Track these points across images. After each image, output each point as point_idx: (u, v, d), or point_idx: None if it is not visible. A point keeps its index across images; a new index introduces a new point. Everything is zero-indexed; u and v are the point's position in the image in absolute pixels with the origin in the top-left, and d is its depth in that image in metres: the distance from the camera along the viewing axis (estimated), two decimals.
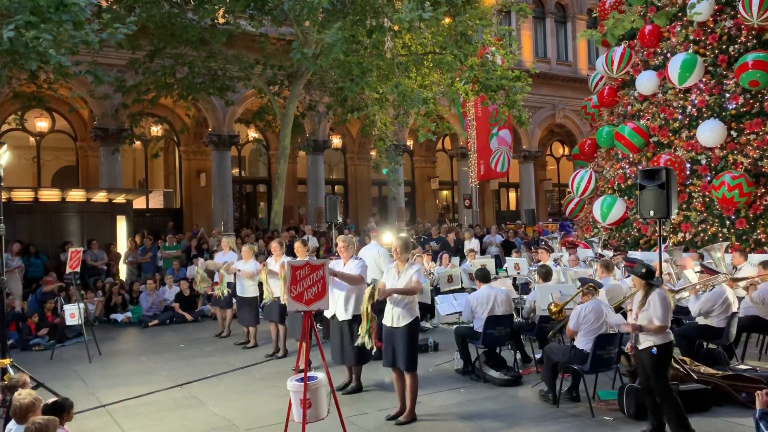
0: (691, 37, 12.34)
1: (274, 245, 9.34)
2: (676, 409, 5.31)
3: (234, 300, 10.84)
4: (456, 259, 13.01)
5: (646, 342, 5.41)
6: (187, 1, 14.54)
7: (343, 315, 6.94)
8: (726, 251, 9.32)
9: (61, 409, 4.51)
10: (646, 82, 12.97)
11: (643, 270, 5.54)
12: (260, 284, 9.92)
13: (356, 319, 6.77)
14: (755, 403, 4.25)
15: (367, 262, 7.66)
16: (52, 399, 4.67)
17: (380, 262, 8.14)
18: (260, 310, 10.02)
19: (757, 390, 4.38)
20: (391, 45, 13.84)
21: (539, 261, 10.81)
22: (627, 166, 13.25)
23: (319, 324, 9.54)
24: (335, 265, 6.95)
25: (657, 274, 6.48)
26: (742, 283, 8.10)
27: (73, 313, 9.58)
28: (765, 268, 7.88)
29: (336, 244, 7.33)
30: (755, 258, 8.88)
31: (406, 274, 6.07)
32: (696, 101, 12.06)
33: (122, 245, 15.19)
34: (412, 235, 15.39)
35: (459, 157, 24.23)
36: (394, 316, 6.09)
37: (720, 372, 6.59)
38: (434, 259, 12.94)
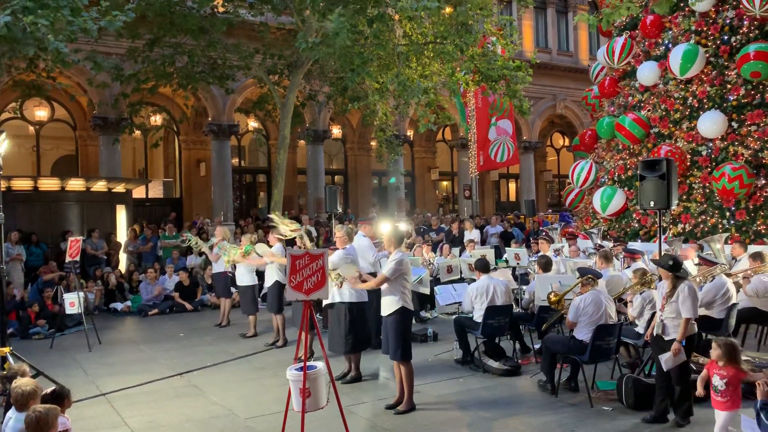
0: (693, 28, 12.28)
1: (272, 237, 9.37)
2: (688, 397, 5.51)
3: (234, 289, 10.89)
4: (456, 250, 13.01)
5: (674, 334, 5.49)
6: None
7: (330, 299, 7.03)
8: (726, 242, 9.32)
9: (60, 398, 4.51)
10: (648, 73, 12.92)
11: (671, 262, 5.57)
12: (259, 272, 9.98)
13: (348, 306, 6.95)
14: (755, 394, 4.26)
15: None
16: (51, 387, 4.68)
17: (361, 252, 8.16)
18: (259, 298, 10.05)
19: (756, 381, 4.40)
20: (401, 32, 13.75)
21: (539, 251, 10.81)
22: (627, 157, 13.23)
23: (318, 314, 9.56)
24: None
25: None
26: (735, 277, 8.09)
27: (72, 302, 9.59)
28: (755, 260, 7.88)
29: (335, 234, 7.38)
30: (755, 249, 8.88)
31: (387, 262, 6.18)
32: (697, 92, 12.02)
33: (122, 235, 15.19)
34: (413, 226, 15.37)
35: (459, 148, 24.18)
36: (383, 305, 6.17)
37: None
38: (434, 250, 12.94)
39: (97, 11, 10.31)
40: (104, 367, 8.28)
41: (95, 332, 9.79)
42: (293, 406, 5.00)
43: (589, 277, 6.70)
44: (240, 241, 10.45)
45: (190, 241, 10.80)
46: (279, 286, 9.15)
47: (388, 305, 6.09)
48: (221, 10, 14.89)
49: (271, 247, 9.25)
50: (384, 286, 6.12)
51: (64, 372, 7.80)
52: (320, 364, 5.10)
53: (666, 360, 5.39)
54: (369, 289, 6.45)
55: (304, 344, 5.04)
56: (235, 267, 10.31)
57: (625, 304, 7.26)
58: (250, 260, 9.45)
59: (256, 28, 15.51)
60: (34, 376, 5.73)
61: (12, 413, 4.22)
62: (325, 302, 7.13)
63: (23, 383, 4.28)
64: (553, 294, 7.24)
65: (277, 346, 9.14)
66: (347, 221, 16.73)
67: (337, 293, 6.95)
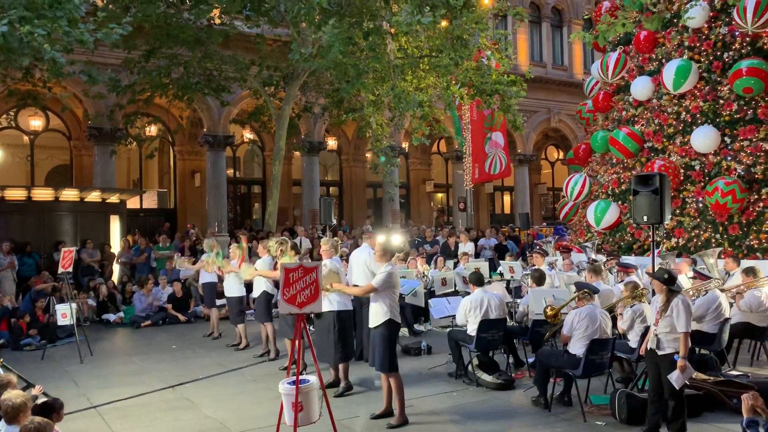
0: (686, 43, 12.39)
1: (260, 248, 9.40)
2: (682, 413, 5.47)
3: (219, 301, 10.96)
4: (450, 263, 13.00)
5: (668, 348, 5.47)
6: (183, 1, 14.51)
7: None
8: (719, 257, 9.36)
9: (51, 410, 4.48)
10: (641, 88, 13.01)
11: (666, 276, 5.57)
12: (247, 283, 10.02)
13: (336, 314, 7.00)
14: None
15: (358, 265, 7.68)
16: (41, 399, 4.65)
17: (370, 265, 8.13)
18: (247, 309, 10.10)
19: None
20: (393, 47, 13.83)
21: (534, 265, 10.82)
22: (621, 171, 13.29)
23: (312, 326, 9.53)
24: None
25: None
26: (729, 292, 8.11)
27: (65, 313, 9.53)
28: (748, 275, 7.91)
29: (321, 246, 7.55)
30: (747, 264, 8.90)
31: (378, 273, 6.22)
32: (690, 107, 12.10)
33: (115, 245, 15.14)
34: (407, 239, 15.35)
35: (454, 160, 24.25)
36: (371, 317, 6.20)
37: (712, 378, 6.60)
38: (428, 262, 12.93)
39: (94, 22, 10.34)
40: (96, 379, 8.22)
41: (87, 344, 9.72)
42: (285, 420, 4.98)
43: (585, 291, 6.70)
44: (229, 250, 10.52)
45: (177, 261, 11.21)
46: (267, 296, 9.16)
47: (376, 317, 6.11)
48: (218, 21, 14.96)
49: (259, 257, 9.28)
50: (372, 298, 6.13)
51: (55, 384, 7.73)
52: (313, 378, 5.08)
53: (676, 378, 5.37)
54: (355, 295, 6.50)
55: (297, 358, 5.02)
56: (222, 278, 10.36)
57: (615, 318, 7.25)
58: (232, 270, 9.60)
59: (252, 40, 15.58)
60: (24, 389, 5.68)
61: (2, 426, 4.18)
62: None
63: (13, 395, 4.24)
64: (549, 308, 7.24)
65: (269, 358, 9.10)
66: (341, 232, 16.73)
67: (325, 302, 6.93)
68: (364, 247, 8.48)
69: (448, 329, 8.98)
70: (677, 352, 5.41)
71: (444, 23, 14.20)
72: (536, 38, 25.83)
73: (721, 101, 11.72)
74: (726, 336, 7.44)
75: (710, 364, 7.15)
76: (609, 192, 13.44)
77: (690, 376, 5.45)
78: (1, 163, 18.88)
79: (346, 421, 6.19)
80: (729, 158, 11.41)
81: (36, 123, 18.35)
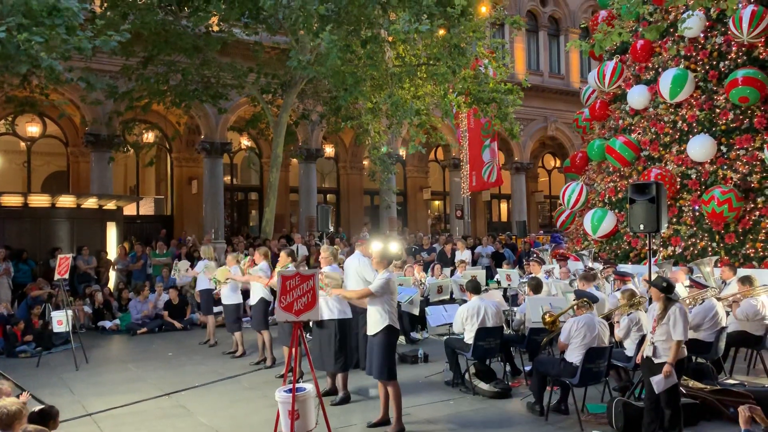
0: (683, 53, 12.44)
1: (257, 255, 9.40)
2: (678, 421, 5.49)
3: (216, 308, 10.95)
4: (447, 270, 13.01)
5: (665, 356, 5.49)
6: (182, 9, 14.56)
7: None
8: (715, 266, 9.37)
9: (47, 417, 4.46)
10: (638, 97, 13.06)
11: (664, 284, 5.60)
12: (244, 290, 10.01)
13: (337, 323, 6.99)
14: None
15: (350, 273, 7.68)
16: (38, 407, 4.63)
17: (362, 272, 8.11)
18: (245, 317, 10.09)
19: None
20: (391, 55, 13.88)
21: (531, 273, 10.82)
22: (618, 180, 13.32)
23: (309, 334, 9.51)
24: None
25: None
26: (726, 300, 8.13)
27: (60, 320, 9.50)
28: (744, 284, 7.93)
29: (320, 254, 7.57)
30: (744, 273, 8.92)
31: (375, 279, 6.26)
32: (686, 116, 12.15)
33: (112, 252, 15.11)
34: (404, 246, 15.35)
35: (451, 168, 24.29)
36: (369, 324, 6.19)
37: (708, 386, 6.61)
38: (425, 270, 12.93)
39: (92, 30, 10.36)
40: (91, 386, 8.19)
41: (83, 351, 9.69)
42: (281, 428, 4.96)
43: (584, 300, 6.71)
44: (226, 258, 10.52)
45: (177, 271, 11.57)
46: (264, 303, 9.14)
47: (375, 324, 6.10)
48: (216, 29, 14.99)
49: (256, 265, 9.29)
50: (370, 305, 6.11)
51: (50, 391, 7.71)
52: (309, 386, 5.07)
53: (657, 382, 5.40)
54: (351, 299, 6.56)
55: (294, 366, 5.01)
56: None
57: (612, 325, 7.26)
58: (235, 278, 9.57)
59: (250, 47, 15.62)
60: (19, 396, 5.65)
61: None
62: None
63: (8, 403, 4.22)
64: (548, 315, 7.23)
65: (266, 365, 9.08)
66: (338, 239, 16.72)
67: (325, 310, 6.93)
68: (356, 255, 8.48)
69: (445, 337, 8.97)
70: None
71: (441, 32, 14.25)
72: (533, 47, 25.95)
73: (717, 110, 11.76)
74: (722, 345, 7.44)
75: (707, 372, 7.15)
76: (606, 200, 13.46)
77: (673, 383, 5.46)
78: None
79: (342, 429, 6.17)
80: (725, 167, 11.44)
81: (33, 129, 18.34)
